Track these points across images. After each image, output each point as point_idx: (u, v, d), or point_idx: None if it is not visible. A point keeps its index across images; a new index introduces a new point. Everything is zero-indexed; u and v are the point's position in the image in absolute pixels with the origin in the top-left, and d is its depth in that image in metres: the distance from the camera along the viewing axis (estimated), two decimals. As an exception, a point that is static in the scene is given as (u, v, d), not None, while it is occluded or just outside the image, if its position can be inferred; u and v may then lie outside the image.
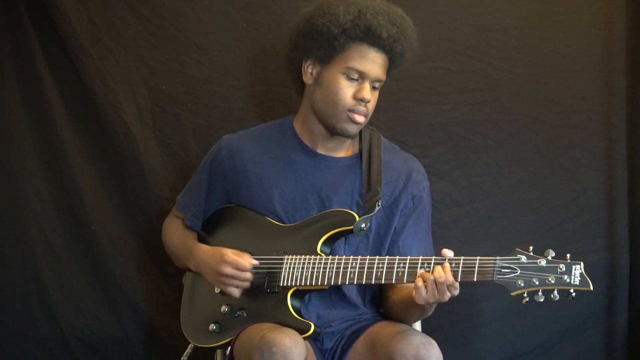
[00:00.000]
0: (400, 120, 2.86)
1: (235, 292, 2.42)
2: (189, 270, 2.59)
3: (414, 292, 2.22)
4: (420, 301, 2.21)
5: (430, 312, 2.35)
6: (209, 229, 2.59)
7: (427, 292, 2.20)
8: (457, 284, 2.20)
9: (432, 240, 2.56)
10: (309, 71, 2.47)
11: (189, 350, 2.56)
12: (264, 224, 2.50)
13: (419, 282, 2.20)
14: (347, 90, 2.41)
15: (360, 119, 2.44)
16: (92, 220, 2.88)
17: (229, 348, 2.38)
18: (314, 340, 2.42)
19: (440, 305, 2.30)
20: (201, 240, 2.59)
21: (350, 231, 2.40)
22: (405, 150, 2.66)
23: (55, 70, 2.86)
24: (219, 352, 2.59)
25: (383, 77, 2.45)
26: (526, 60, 2.89)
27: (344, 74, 2.41)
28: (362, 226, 2.41)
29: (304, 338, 2.30)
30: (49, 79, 2.85)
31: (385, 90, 2.85)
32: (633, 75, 2.87)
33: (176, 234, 2.64)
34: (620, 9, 2.87)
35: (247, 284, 2.41)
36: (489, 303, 2.86)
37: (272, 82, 2.87)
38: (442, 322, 2.77)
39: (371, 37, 2.39)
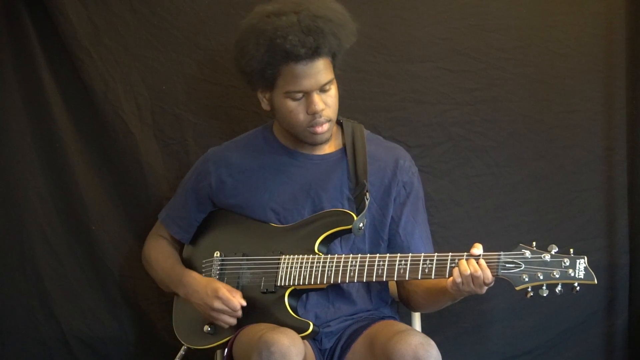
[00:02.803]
0: (400, 120, 2.86)
1: (225, 326, 2.42)
2: (176, 295, 2.57)
3: (449, 285, 2.24)
4: (457, 295, 2.27)
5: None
6: (202, 231, 2.59)
7: (464, 285, 2.22)
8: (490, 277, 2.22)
9: (428, 226, 2.57)
10: (263, 99, 2.47)
11: (182, 352, 2.56)
12: (258, 226, 2.50)
13: (457, 279, 2.22)
14: (297, 110, 2.40)
15: (321, 129, 2.42)
16: (92, 220, 2.88)
17: (227, 349, 2.38)
18: (313, 339, 2.42)
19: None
20: (193, 243, 2.59)
21: (349, 231, 2.40)
22: (406, 151, 2.66)
23: (55, 70, 2.86)
24: (218, 352, 2.60)
25: (327, 79, 2.39)
26: (526, 60, 2.88)
27: (286, 97, 2.39)
28: (360, 225, 2.40)
29: (303, 337, 2.30)
30: (49, 79, 2.85)
31: (386, 91, 2.85)
32: (633, 75, 2.87)
33: (161, 256, 2.62)
34: (620, 9, 2.86)
35: (234, 321, 2.40)
36: (489, 303, 2.86)
37: (272, 82, 2.86)
38: (442, 322, 2.77)
39: (293, 57, 2.33)
